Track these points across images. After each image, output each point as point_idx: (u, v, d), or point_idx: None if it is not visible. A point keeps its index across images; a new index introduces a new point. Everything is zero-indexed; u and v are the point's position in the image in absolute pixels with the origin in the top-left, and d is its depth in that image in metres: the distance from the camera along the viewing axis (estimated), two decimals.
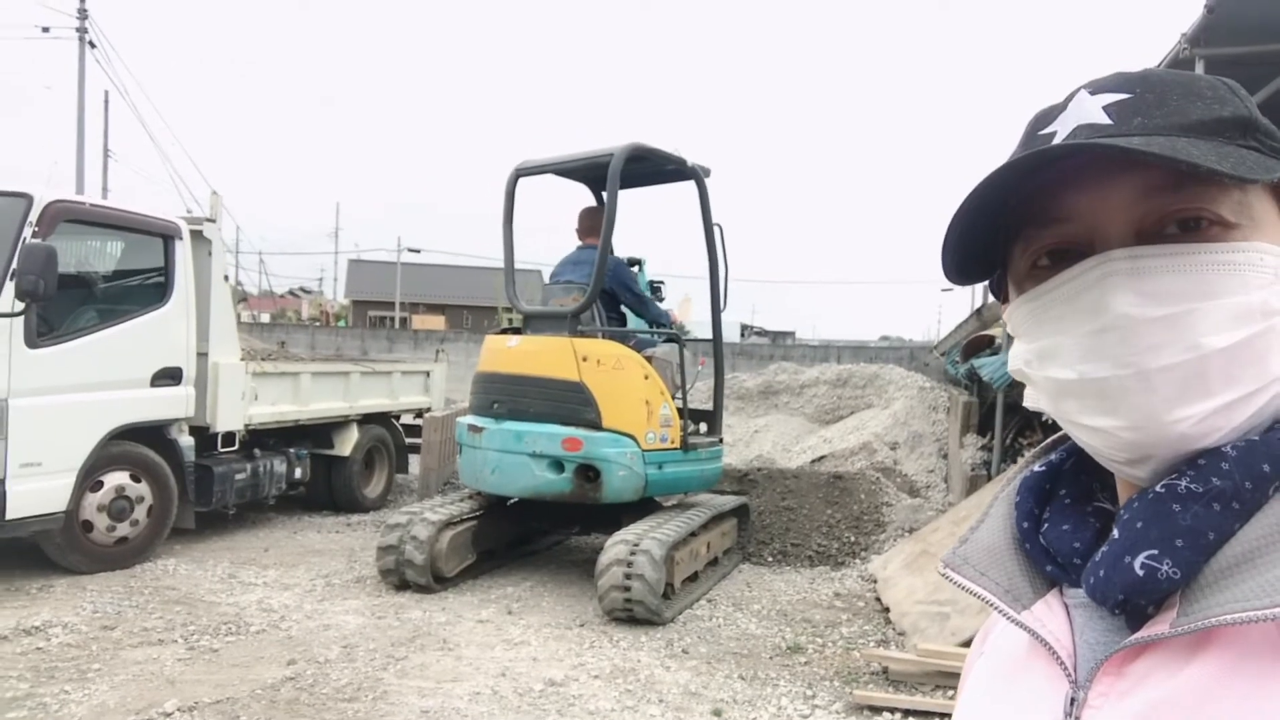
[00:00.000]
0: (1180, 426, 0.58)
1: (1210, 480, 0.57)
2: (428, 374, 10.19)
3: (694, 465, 6.46)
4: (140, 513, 6.18)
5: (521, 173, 6.75)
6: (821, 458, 10.92)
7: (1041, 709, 0.63)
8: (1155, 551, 0.57)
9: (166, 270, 6.42)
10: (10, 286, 5.25)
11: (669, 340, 6.65)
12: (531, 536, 7.20)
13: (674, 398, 6.36)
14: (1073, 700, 0.61)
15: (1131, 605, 0.59)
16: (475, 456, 6.34)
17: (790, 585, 6.59)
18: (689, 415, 6.55)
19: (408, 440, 9.83)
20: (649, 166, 6.64)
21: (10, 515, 5.27)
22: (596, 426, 5.94)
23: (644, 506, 6.38)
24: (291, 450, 7.97)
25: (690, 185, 6.68)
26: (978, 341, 10.78)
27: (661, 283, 7.68)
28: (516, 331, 6.72)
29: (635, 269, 7.52)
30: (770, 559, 7.27)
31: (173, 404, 6.45)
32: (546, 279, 6.87)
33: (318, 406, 8.19)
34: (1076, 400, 0.62)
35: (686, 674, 4.64)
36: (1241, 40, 5.54)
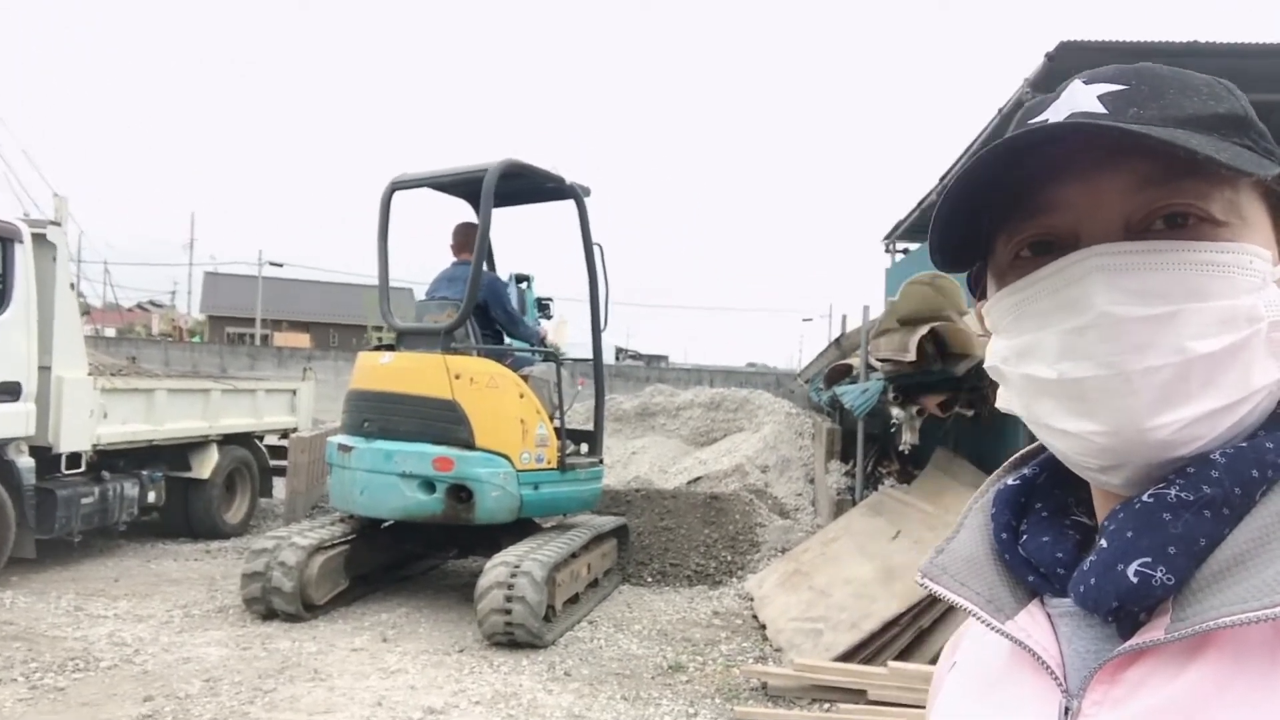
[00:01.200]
0: (1159, 434, 0.56)
1: (1201, 488, 0.56)
2: (294, 393, 9.79)
3: (572, 486, 6.45)
4: None
5: (398, 186, 6.62)
6: (697, 479, 11.11)
7: (1031, 719, 0.62)
8: (1149, 559, 0.56)
9: (5, 276, 5.95)
10: None
11: (547, 359, 6.63)
12: (406, 561, 7.00)
13: (552, 418, 6.34)
14: (1067, 710, 0.59)
15: (1124, 612, 0.58)
16: (344, 477, 6.14)
17: (670, 605, 6.65)
18: (568, 435, 6.54)
19: (273, 462, 9.40)
20: (527, 184, 6.63)
21: None
22: (469, 446, 5.85)
23: (522, 528, 6.33)
24: (144, 473, 7.49)
25: (570, 204, 6.71)
26: (838, 370, 11.24)
27: (550, 300, 7.68)
28: (391, 348, 6.56)
29: (523, 285, 7.49)
30: (650, 579, 7.32)
31: (10, 421, 5.95)
32: (422, 295, 6.75)
33: (174, 426, 7.73)
34: (1053, 401, 0.60)
35: (569, 697, 4.61)
36: None
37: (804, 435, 11.87)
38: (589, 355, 7.00)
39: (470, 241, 6.36)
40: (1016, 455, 0.75)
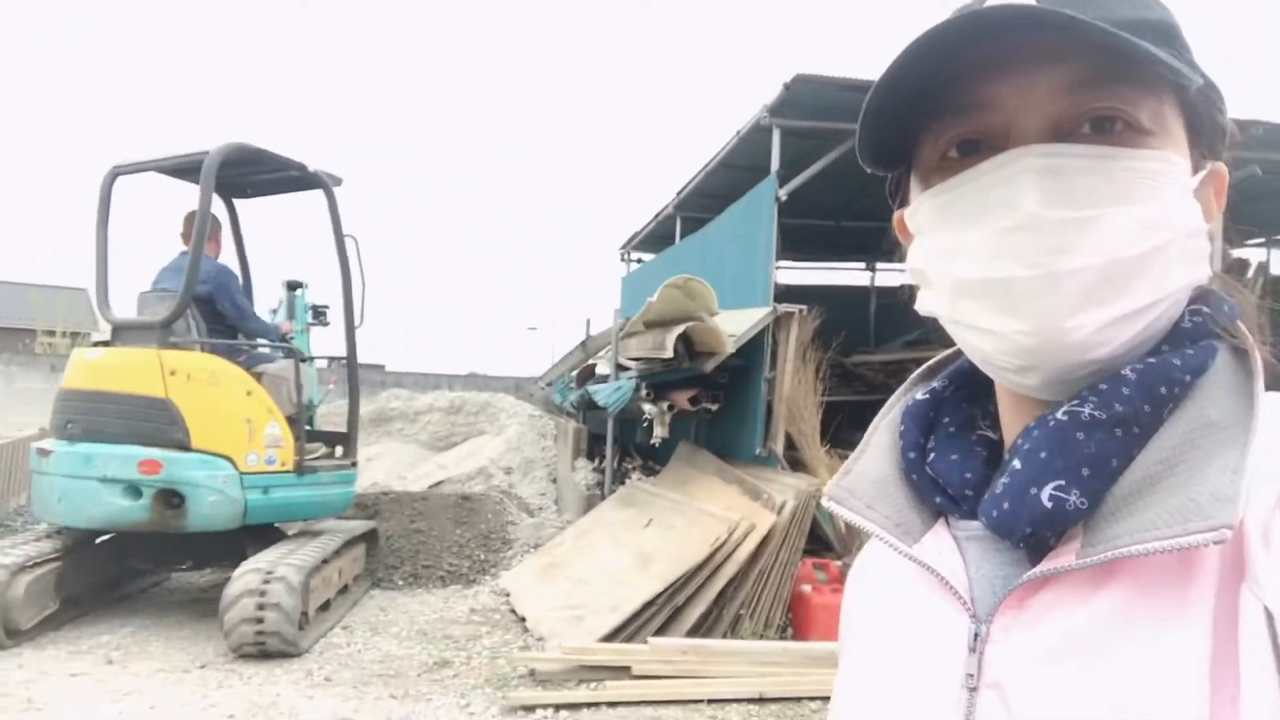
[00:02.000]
0: (1078, 334, 0.57)
1: (1113, 406, 0.57)
2: None
3: (312, 489, 6.13)
4: None
5: (120, 171, 5.99)
6: (439, 483, 10.98)
7: (940, 646, 0.61)
8: (1062, 482, 0.56)
9: None
10: None
11: (288, 356, 6.28)
12: (125, 579, 6.30)
13: (291, 418, 6.00)
14: (975, 635, 0.59)
15: (1036, 536, 0.57)
16: (43, 484, 5.49)
17: (425, 605, 6.54)
18: (318, 437, 6.24)
19: None
20: (268, 173, 6.27)
21: None
22: (184, 447, 5.41)
23: (266, 535, 5.95)
24: None
25: (319, 195, 6.42)
26: (586, 371, 11.63)
27: (326, 307, 7.24)
28: (106, 344, 5.91)
29: (296, 292, 7.02)
30: (401, 582, 7.13)
31: None
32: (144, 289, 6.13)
33: None
34: (976, 301, 0.60)
35: (334, 701, 4.43)
36: (809, 116, 6.83)
37: (546, 436, 12.09)
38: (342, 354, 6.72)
39: (188, 231, 5.90)
40: (924, 367, 0.75)
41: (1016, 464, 0.59)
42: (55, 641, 5.15)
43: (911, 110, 0.61)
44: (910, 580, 0.65)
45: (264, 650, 4.95)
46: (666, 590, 5.45)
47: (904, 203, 0.68)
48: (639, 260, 14.25)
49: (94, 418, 5.39)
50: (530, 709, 4.42)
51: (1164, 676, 0.50)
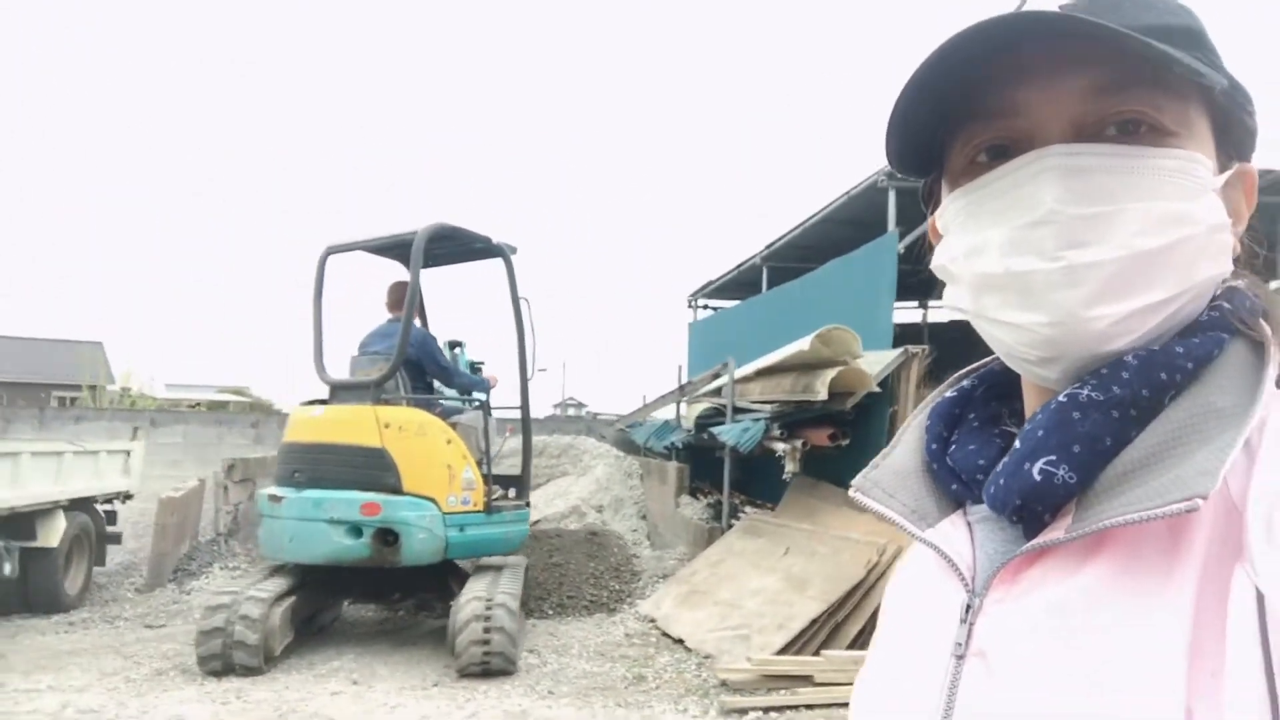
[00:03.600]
0: (1098, 325, 0.59)
1: (1111, 389, 0.58)
2: (127, 454, 9.19)
3: (497, 527, 6.84)
4: None
5: (332, 250, 6.81)
6: (536, 522, 11.65)
7: (938, 619, 0.63)
8: (1053, 457, 0.58)
9: None
10: None
11: (478, 408, 7.04)
12: (320, 612, 6.98)
13: (479, 463, 6.74)
14: (968, 607, 0.61)
15: (1028, 511, 0.59)
16: (274, 526, 6.19)
17: (584, 631, 7.19)
18: (494, 480, 6.95)
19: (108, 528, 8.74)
20: (457, 245, 7.07)
21: None
22: (397, 491, 6.13)
23: (454, 570, 6.64)
24: (2, 544, 6.85)
25: (498, 262, 7.21)
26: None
27: (481, 363, 8.02)
28: (322, 403, 6.66)
29: (456, 350, 7.79)
30: (551, 611, 7.79)
31: None
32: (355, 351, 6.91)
33: (33, 491, 7.14)
34: (999, 294, 0.62)
35: (570, 710, 5.09)
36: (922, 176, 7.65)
37: (632, 476, 12.78)
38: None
39: (397, 300, 6.68)
40: (959, 373, 0.78)
41: (1018, 443, 0.62)
42: (296, 667, 5.82)
43: (941, 116, 0.64)
44: (929, 565, 0.68)
45: (488, 669, 5.62)
46: (828, 609, 6.11)
47: (937, 207, 0.71)
48: (706, 307, 15.01)
49: (318, 467, 6.12)
50: (743, 711, 5.08)
51: (1143, 649, 0.51)
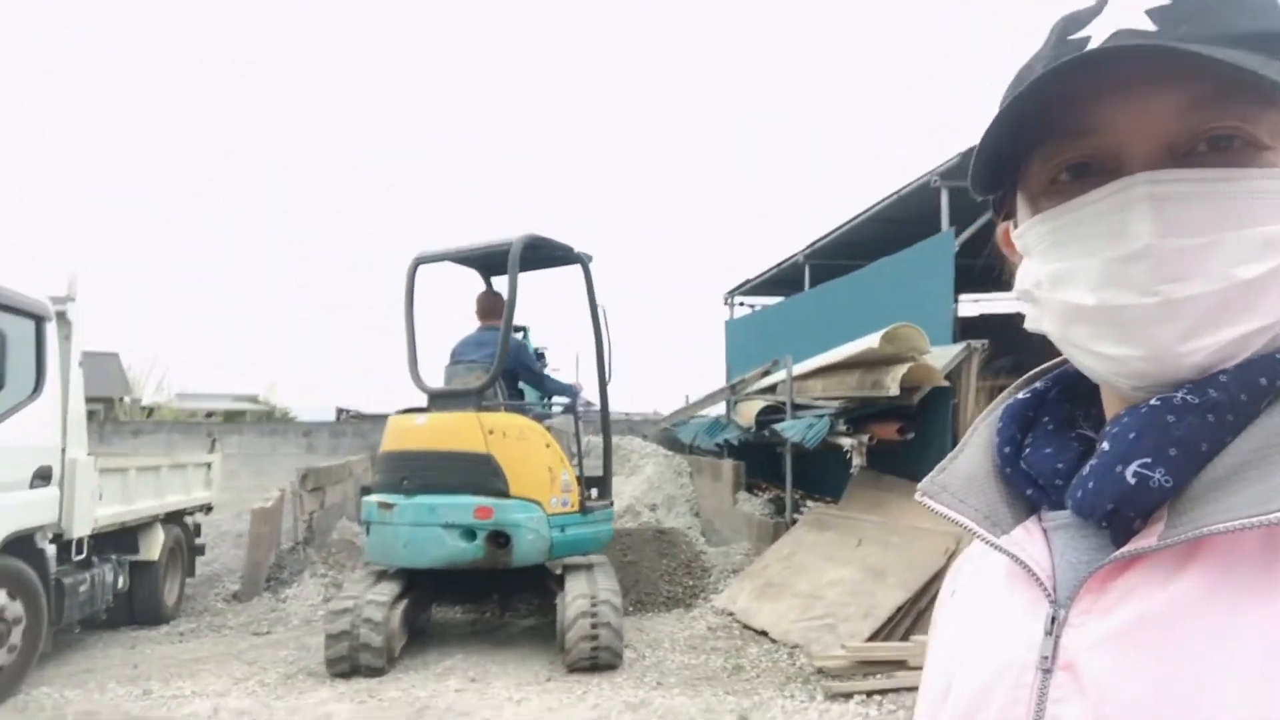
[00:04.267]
0: (1195, 358, 0.57)
1: (1207, 392, 0.57)
2: (208, 467, 9.55)
3: (591, 527, 7.16)
4: (16, 636, 5.41)
5: (421, 260, 7.12)
6: None
7: (1021, 631, 0.61)
8: (1148, 460, 0.56)
9: (39, 356, 5.77)
10: None
11: (566, 411, 7.36)
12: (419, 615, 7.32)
13: (571, 464, 7.06)
14: (1054, 619, 0.59)
15: (1120, 517, 0.58)
16: (386, 532, 6.49)
17: (669, 625, 7.52)
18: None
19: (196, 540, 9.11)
20: (541, 253, 7.38)
21: None
22: (505, 495, 6.44)
23: (543, 571, 6.97)
24: (114, 557, 7.20)
25: (577, 270, 7.52)
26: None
27: (545, 348, 8.31)
28: (421, 411, 6.98)
29: (519, 335, 8.11)
30: (631, 608, 8.11)
31: (44, 508, 5.75)
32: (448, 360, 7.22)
33: (140, 505, 7.49)
34: (1090, 327, 0.61)
35: (684, 699, 5.41)
36: None
37: (682, 474, 13.10)
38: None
39: (494, 308, 7.01)
40: (1029, 374, 0.76)
41: (1105, 446, 0.60)
42: (405, 669, 6.15)
43: (1016, 129, 0.62)
44: (1001, 571, 0.67)
45: (595, 664, 5.94)
46: (911, 596, 6.42)
47: (1009, 215, 0.69)
48: (743, 304, 15.31)
49: (426, 473, 6.44)
50: (848, 695, 5.39)
51: (1242, 664, 0.50)
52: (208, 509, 9.27)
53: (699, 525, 11.84)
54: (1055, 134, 0.61)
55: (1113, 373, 0.61)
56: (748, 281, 14.14)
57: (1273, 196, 0.57)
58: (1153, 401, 0.58)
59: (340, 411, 21.82)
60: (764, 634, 7.11)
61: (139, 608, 7.86)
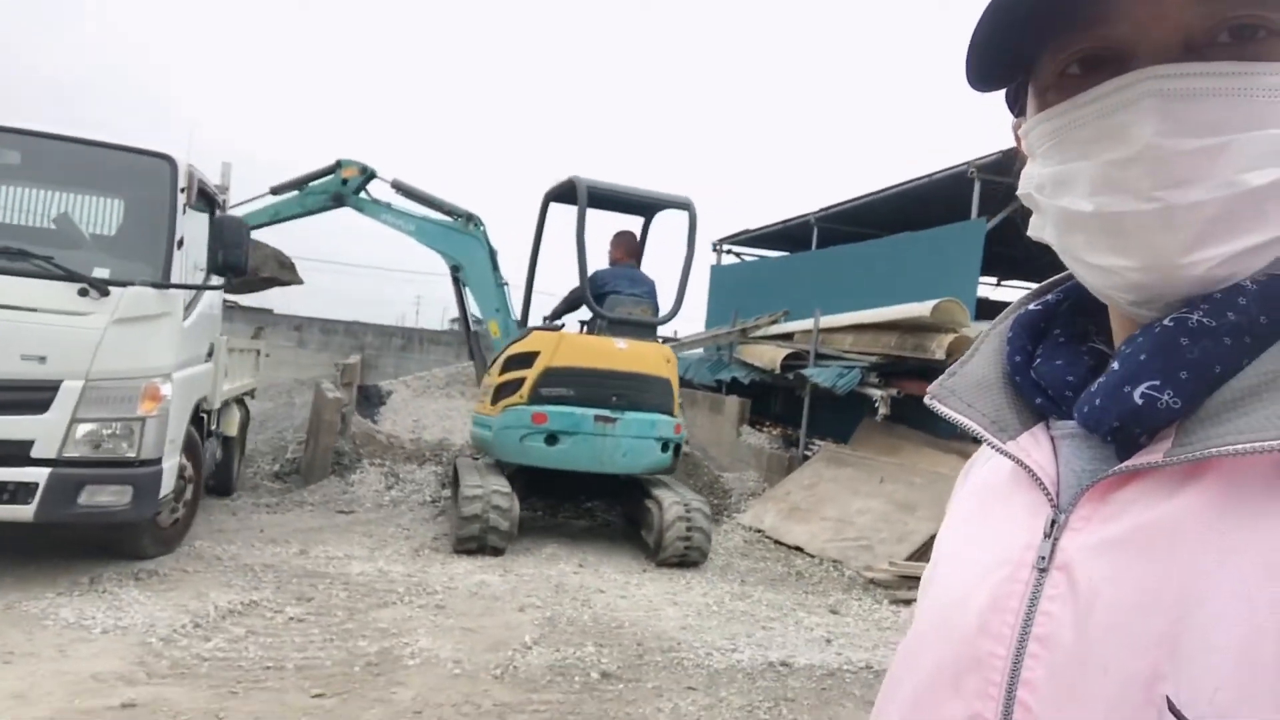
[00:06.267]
0: (1196, 270, 0.55)
1: (1225, 314, 0.55)
2: (258, 353, 9.93)
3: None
4: (188, 492, 5.94)
5: (551, 198, 7.81)
6: None
7: (1020, 532, 0.62)
8: (1157, 382, 0.55)
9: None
10: (179, 257, 5.03)
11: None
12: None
13: None
14: (1053, 522, 0.60)
15: (1125, 433, 0.57)
16: (600, 442, 7.18)
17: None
18: None
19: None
20: (653, 200, 8.12)
21: (163, 493, 5.03)
22: (672, 413, 7.58)
23: (636, 480, 7.80)
24: (211, 431, 7.66)
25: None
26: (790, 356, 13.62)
27: None
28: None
29: None
30: None
31: (208, 380, 6.22)
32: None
33: (236, 384, 7.93)
34: (1087, 234, 0.59)
35: (773, 595, 6.41)
36: (1009, 174, 9.04)
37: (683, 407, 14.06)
38: None
39: (634, 249, 8.03)
40: (1042, 284, 0.75)
41: (1115, 365, 0.59)
42: (518, 553, 6.93)
43: (1026, 19, 0.58)
44: (1006, 475, 0.68)
45: (684, 560, 6.88)
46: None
47: (1023, 111, 0.66)
48: (731, 253, 16.21)
49: (630, 393, 7.31)
50: (907, 603, 6.50)
51: (1238, 575, 0.49)
52: (253, 393, 9.68)
53: (698, 456, 12.89)
54: (1067, 23, 0.58)
55: (1108, 285, 0.60)
56: (746, 232, 15.01)
57: None
58: (1166, 322, 0.57)
59: None
60: (798, 549, 8.18)
61: (216, 481, 8.34)
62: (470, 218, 8.69)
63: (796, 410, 10.98)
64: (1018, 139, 0.68)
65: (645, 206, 8.26)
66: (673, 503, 6.97)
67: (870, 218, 11.84)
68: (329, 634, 4.56)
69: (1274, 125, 0.53)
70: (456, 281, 8.91)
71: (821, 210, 12.44)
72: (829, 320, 10.07)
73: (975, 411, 0.69)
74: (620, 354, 7.40)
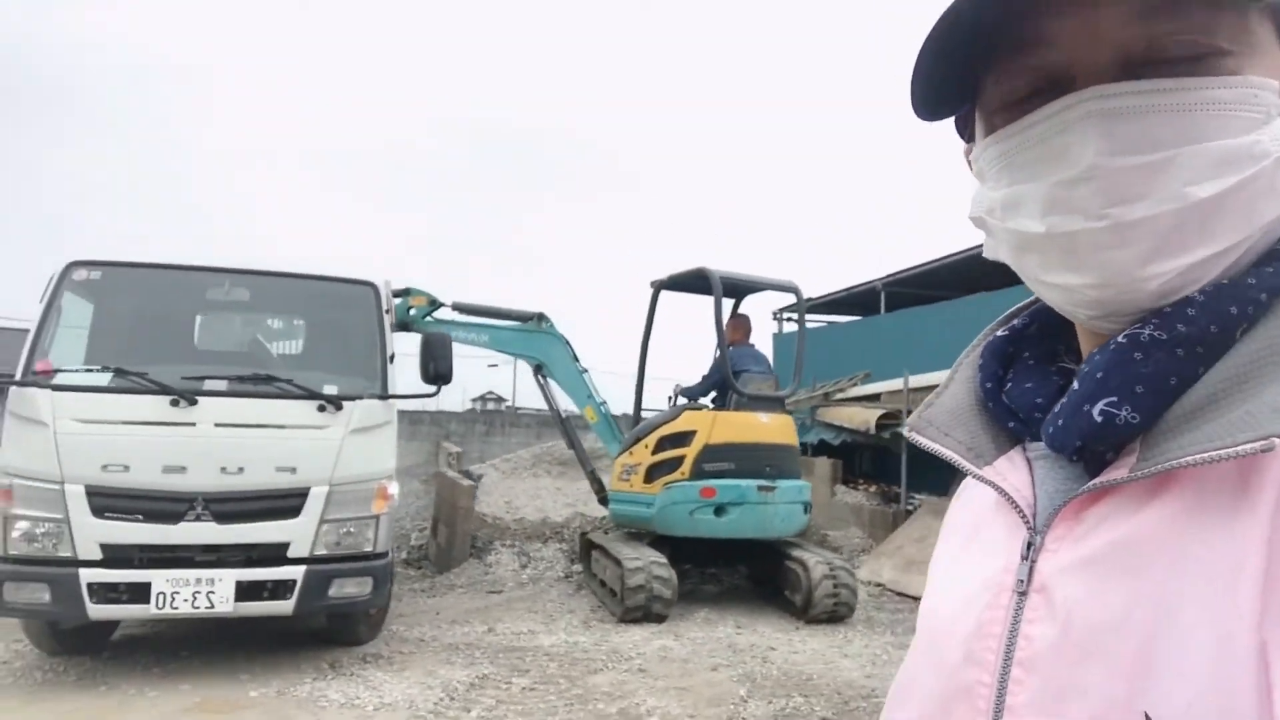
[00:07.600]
0: (1152, 284, 0.56)
1: (1175, 327, 0.56)
2: None
3: None
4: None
5: (661, 286, 8.51)
6: None
7: (1000, 556, 0.63)
8: (1114, 399, 0.56)
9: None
10: (392, 370, 5.71)
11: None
12: None
13: None
14: (1029, 545, 0.61)
15: (1089, 452, 0.59)
16: (762, 510, 7.72)
17: None
18: None
19: None
20: (759, 284, 8.80)
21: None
22: (801, 478, 8.25)
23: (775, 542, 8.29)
24: None
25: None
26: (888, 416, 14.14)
27: None
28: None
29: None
30: None
31: None
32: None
33: None
34: (1040, 255, 0.60)
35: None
36: None
37: None
38: None
39: (748, 329, 8.71)
40: (1010, 310, 0.76)
41: (1076, 384, 0.60)
42: (678, 619, 7.39)
43: (972, 46, 0.60)
44: (988, 502, 0.69)
45: (833, 616, 7.32)
46: None
47: (973, 137, 0.67)
48: (790, 320, 16.86)
49: (775, 462, 7.89)
50: None
51: (1212, 580, 0.50)
52: None
53: None
54: (1008, 49, 0.60)
55: (1068, 302, 0.62)
56: (810, 300, 15.68)
57: (1235, 107, 0.54)
58: (1120, 338, 0.58)
59: None
60: (916, 599, 8.56)
61: None
62: (540, 317, 9.17)
63: (884, 467, 11.47)
64: (969, 164, 0.69)
65: (755, 290, 8.93)
66: (817, 562, 7.44)
67: (936, 281, 12.46)
68: (565, 699, 5.06)
69: (1215, 138, 0.54)
70: (539, 376, 9.33)
71: (889, 276, 13.09)
72: (918, 380, 10.61)
73: (952, 440, 0.70)
74: (764, 427, 7.96)
